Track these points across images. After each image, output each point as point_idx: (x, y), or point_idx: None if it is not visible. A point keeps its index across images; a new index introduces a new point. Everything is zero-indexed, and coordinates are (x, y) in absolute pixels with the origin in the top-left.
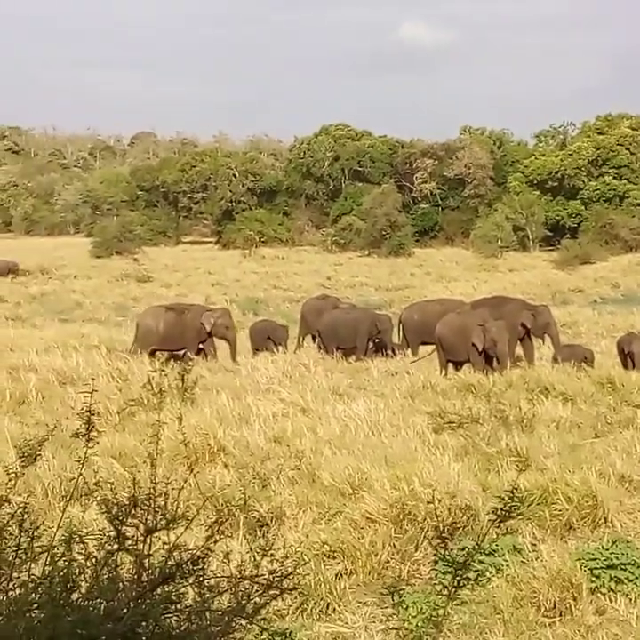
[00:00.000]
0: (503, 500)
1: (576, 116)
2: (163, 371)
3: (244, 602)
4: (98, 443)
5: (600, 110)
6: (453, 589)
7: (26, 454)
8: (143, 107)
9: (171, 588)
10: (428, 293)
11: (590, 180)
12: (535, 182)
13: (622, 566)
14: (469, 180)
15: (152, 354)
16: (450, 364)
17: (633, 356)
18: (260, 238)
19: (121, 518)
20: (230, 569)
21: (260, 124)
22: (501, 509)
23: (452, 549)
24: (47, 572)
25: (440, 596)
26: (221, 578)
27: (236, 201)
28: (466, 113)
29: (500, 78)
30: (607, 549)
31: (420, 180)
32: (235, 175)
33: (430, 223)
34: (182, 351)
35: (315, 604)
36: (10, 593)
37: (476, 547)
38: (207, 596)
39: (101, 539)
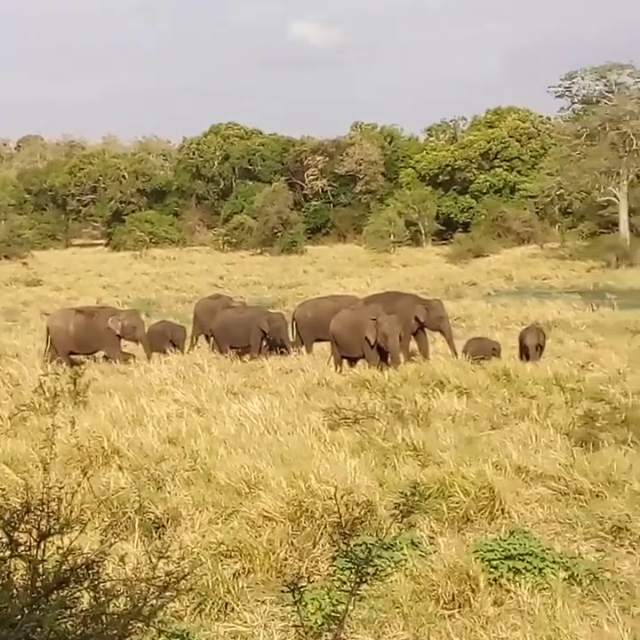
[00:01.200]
0: (405, 495)
1: (467, 110)
2: (55, 375)
3: (140, 604)
4: None
5: (490, 104)
6: (356, 585)
7: None
8: (29, 109)
9: (65, 592)
10: (322, 290)
11: (481, 173)
12: (427, 177)
13: (520, 557)
14: (360, 177)
15: (68, 357)
16: (344, 361)
17: (527, 349)
18: (150, 239)
19: (13, 524)
20: (126, 572)
21: (148, 125)
22: (403, 505)
23: (352, 545)
24: None
25: (340, 592)
26: (117, 581)
27: (125, 202)
28: (358, 110)
29: (391, 74)
30: (505, 540)
31: (311, 178)
32: (124, 176)
33: (322, 220)
34: (99, 353)
35: (213, 604)
36: None
37: (377, 542)
38: (103, 599)
39: None
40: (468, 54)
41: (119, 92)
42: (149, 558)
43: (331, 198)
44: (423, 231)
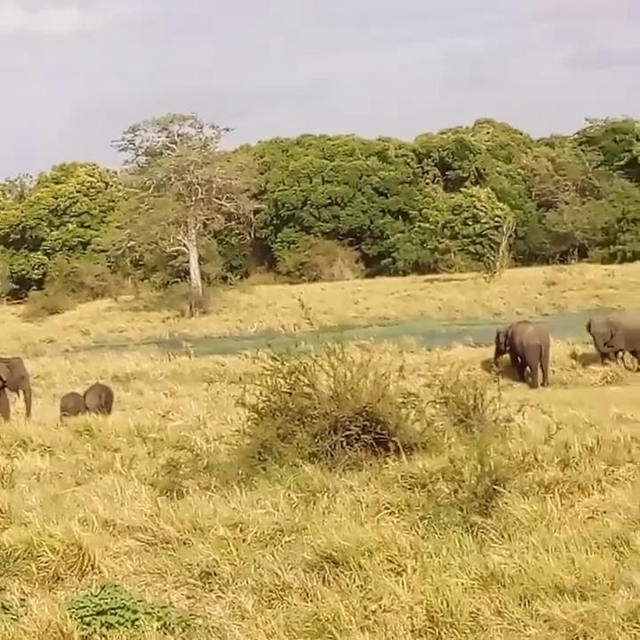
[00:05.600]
0: None
1: (31, 166)
2: None
3: None
4: None
5: (55, 160)
6: None
7: None
8: None
9: None
10: None
11: (52, 230)
12: None
13: (112, 611)
14: None
15: None
16: None
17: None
18: None
19: None
20: None
21: None
22: None
23: None
24: None
25: None
26: None
27: None
28: None
29: None
30: (96, 596)
31: None
32: None
33: None
34: None
35: None
36: None
37: None
38: None
39: None
40: (33, 114)
41: None
42: None
43: None
44: None
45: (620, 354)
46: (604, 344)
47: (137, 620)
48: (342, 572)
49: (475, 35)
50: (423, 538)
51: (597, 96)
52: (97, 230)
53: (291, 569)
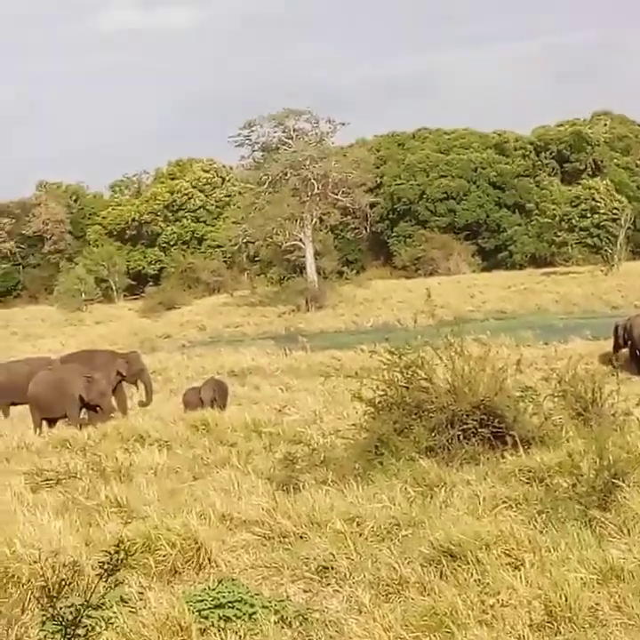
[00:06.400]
0: (109, 554)
1: (149, 163)
2: None
3: None
4: None
5: (172, 156)
6: None
7: None
8: None
9: None
10: (17, 353)
11: (168, 226)
12: (114, 232)
13: (230, 604)
14: (48, 237)
15: None
16: (44, 422)
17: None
18: None
19: None
20: None
21: None
22: (108, 563)
23: (60, 608)
24: None
25: None
26: None
27: None
28: (44, 169)
29: (75, 131)
30: (213, 589)
31: None
32: None
33: (12, 283)
34: None
35: None
36: None
37: (85, 603)
38: None
39: None
40: (146, 107)
41: None
42: None
43: (19, 260)
44: (114, 287)
45: None
46: None
47: (254, 613)
48: (460, 566)
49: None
50: (541, 532)
51: None
52: (212, 226)
53: (408, 563)
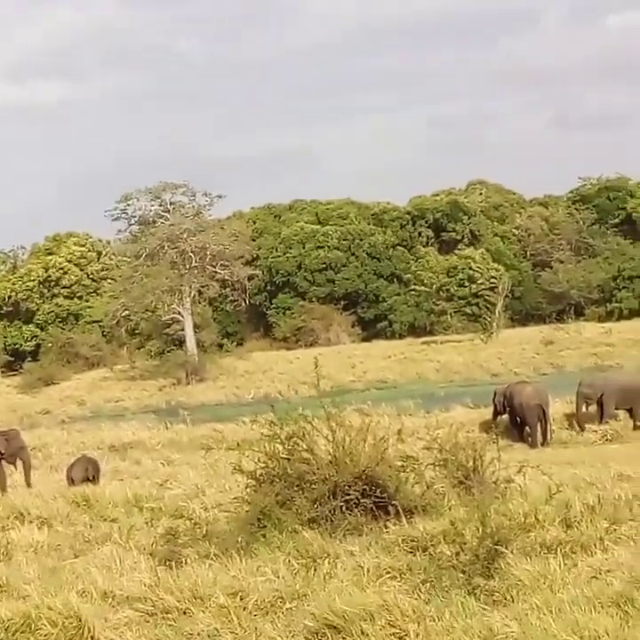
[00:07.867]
0: None
1: (26, 238)
2: None
3: None
4: None
5: (50, 230)
6: None
7: None
8: None
9: None
10: None
11: (43, 303)
12: None
13: None
14: None
15: None
16: None
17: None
18: None
19: None
20: None
21: None
22: None
23: None
24: None
25: None
26: None
27: None
28: None
29: None
30: None
31: None
32: None
33: None
34: None
35: None
36: None
37: None
38: None
39: None
40: (26, 186)
41: None
42: None
43: None
44: None
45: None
46: (587, 406)
47: None
48: (344, 639)
49: (456, 100)
50: (426, 602)
51: (587, 155)
52: (88, 301)
53: (292, 636)
